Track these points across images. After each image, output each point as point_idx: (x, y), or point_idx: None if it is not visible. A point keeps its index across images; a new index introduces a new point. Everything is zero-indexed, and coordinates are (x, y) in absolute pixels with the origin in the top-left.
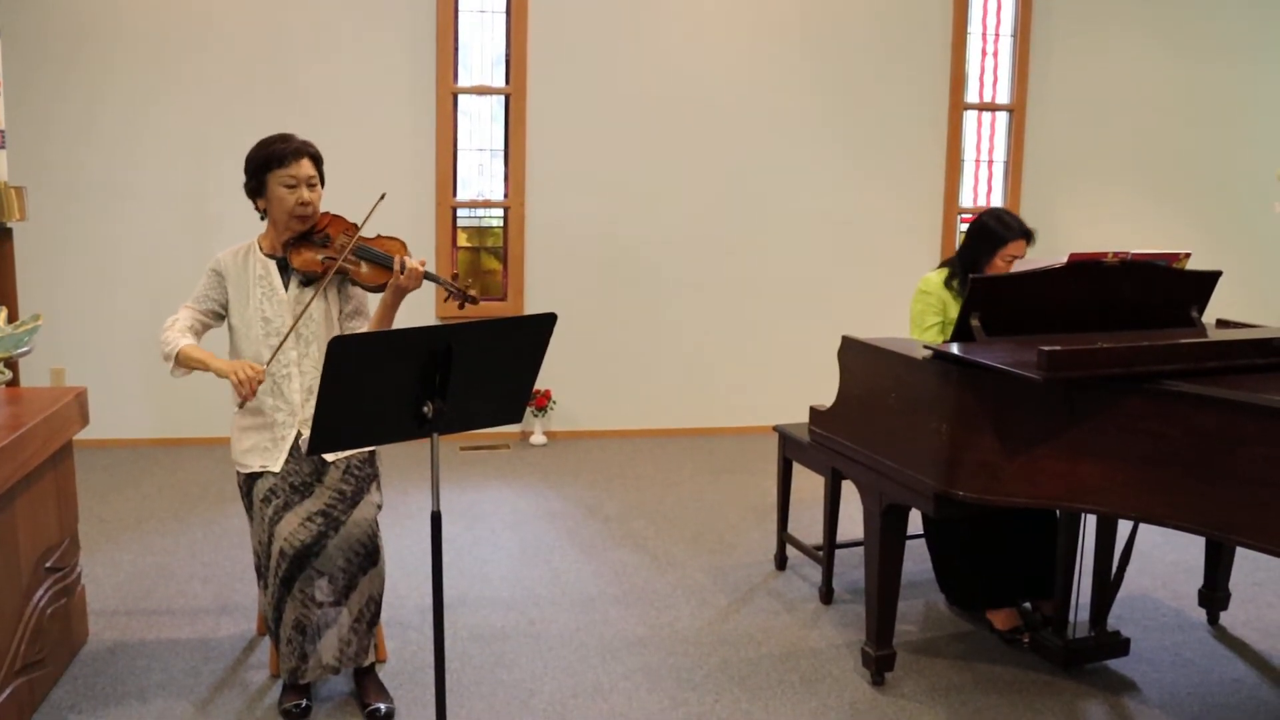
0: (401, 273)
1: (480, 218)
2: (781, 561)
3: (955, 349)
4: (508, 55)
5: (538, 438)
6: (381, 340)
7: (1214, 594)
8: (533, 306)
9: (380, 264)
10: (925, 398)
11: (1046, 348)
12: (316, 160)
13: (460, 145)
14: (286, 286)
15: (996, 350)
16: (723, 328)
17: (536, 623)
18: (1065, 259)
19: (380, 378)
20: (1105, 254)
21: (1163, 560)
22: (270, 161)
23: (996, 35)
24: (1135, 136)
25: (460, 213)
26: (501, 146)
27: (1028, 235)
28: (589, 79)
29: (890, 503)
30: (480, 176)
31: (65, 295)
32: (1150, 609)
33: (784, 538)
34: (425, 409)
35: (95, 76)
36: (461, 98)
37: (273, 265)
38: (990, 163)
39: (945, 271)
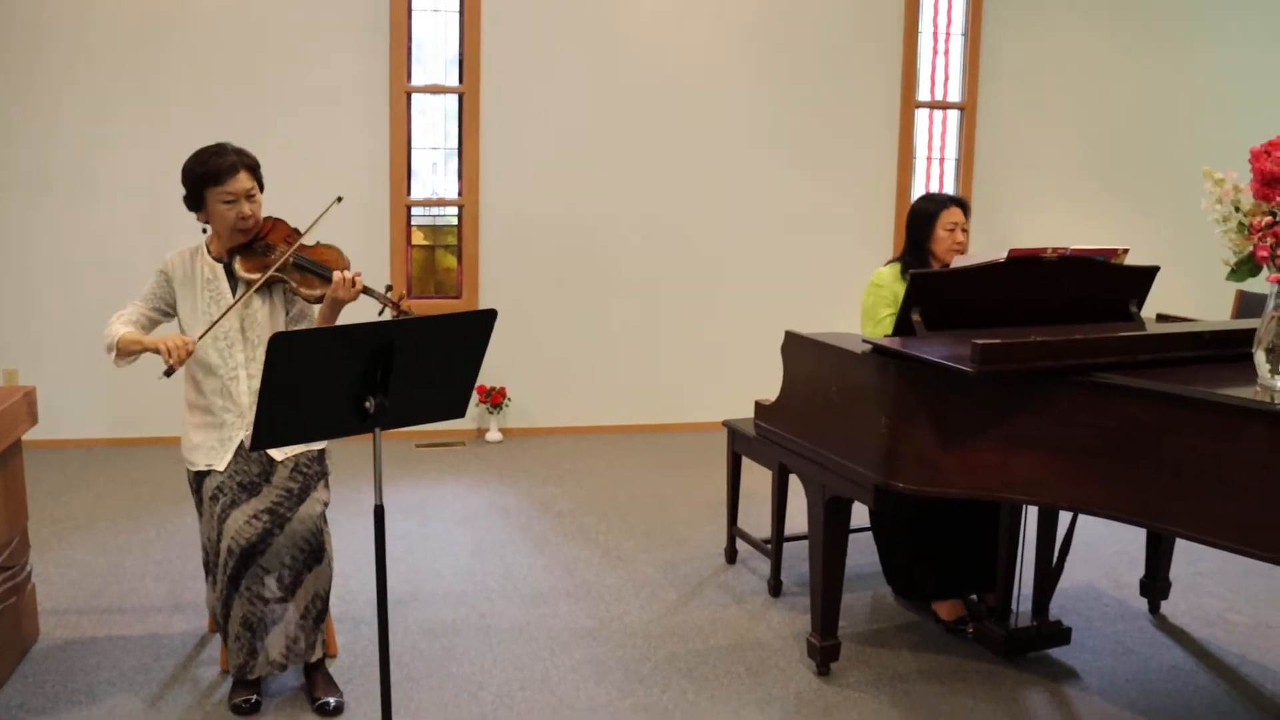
0: (341, 284)
1: (435, 216)
2: (732, 555)
3: (893, 343)
4: (461, 54)
5: (493, 434)
6: (322, 336)
7: (1155, 584)
8: (487, 304)
9: (318, 275)
10: (865, 391)
11: (979, 341)
12: (254, 170)
13: (414, 144)
14: (234, 290)
15: (934, 344)
16: (677, 324)
17: (487, 616)
18: (1005, 254)
19: (321, 373)
20: (1044, 249)
21: (1106, 551)
22: (207, 179)
23: (948, 34)
24: (1084, 133)
25: (415, 211)
26: (455, 145)
27: (959, 203)
28: (543, 78)
29: (833, 495)
30: (434, 174)
31: (18, 296)
32: (1093, 599)
33: (734, 532)
34: (367, 404)
35: (54, 72)
36: (415, 96)
37: (220, 269)
38: (942, 160)
39: (898, 265)
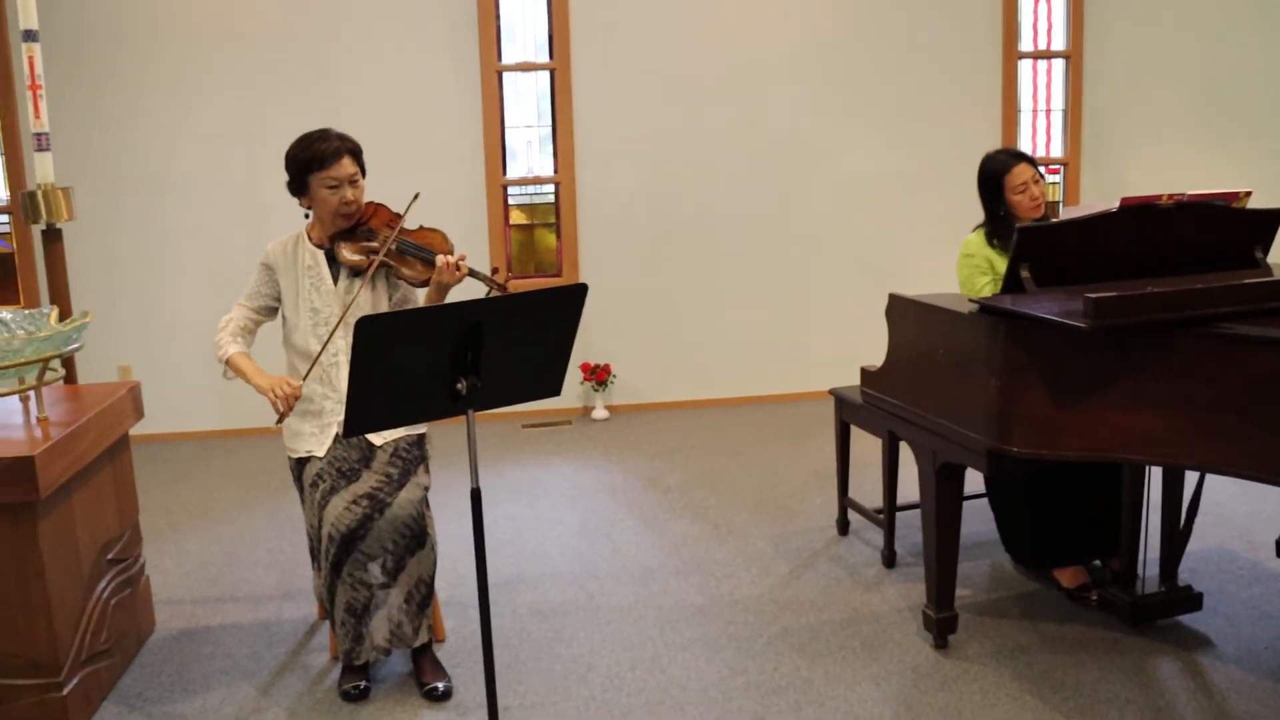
0: (445, 267)
1: (532, 194)
2: (844, 526)
3: (1002, 301)
4: (550, 30)
5: (600, 412)
6: (410, 319)
7: None
8: (588, 281)
9: (422, 259)
10: (974, 353)
11: (1092, 295)
12: (357, 155)
13: (508, 123)
14: (335, 278)
15: (1045, 301)
16: (779, 292)
17: (595, 596)
18: (1118, 203)
19: (411, 356)
20: (1159, 196)
21: (1239, 511)
22: (311, 164)
23: None
24: (1199, 75)
25: (512, 190)
26: (549, 122)
27: (1025, 158)
28: (632, 50)
29: (944, 461)
30: (530, 153)
31: (127, 293)
32: (1226, 562)
33: (845, 502)
34: (459, 386)
35: (136, 71)
36: (507, 75)
37: (321, 256)
38: (1049, 112)
39: (982, 231)
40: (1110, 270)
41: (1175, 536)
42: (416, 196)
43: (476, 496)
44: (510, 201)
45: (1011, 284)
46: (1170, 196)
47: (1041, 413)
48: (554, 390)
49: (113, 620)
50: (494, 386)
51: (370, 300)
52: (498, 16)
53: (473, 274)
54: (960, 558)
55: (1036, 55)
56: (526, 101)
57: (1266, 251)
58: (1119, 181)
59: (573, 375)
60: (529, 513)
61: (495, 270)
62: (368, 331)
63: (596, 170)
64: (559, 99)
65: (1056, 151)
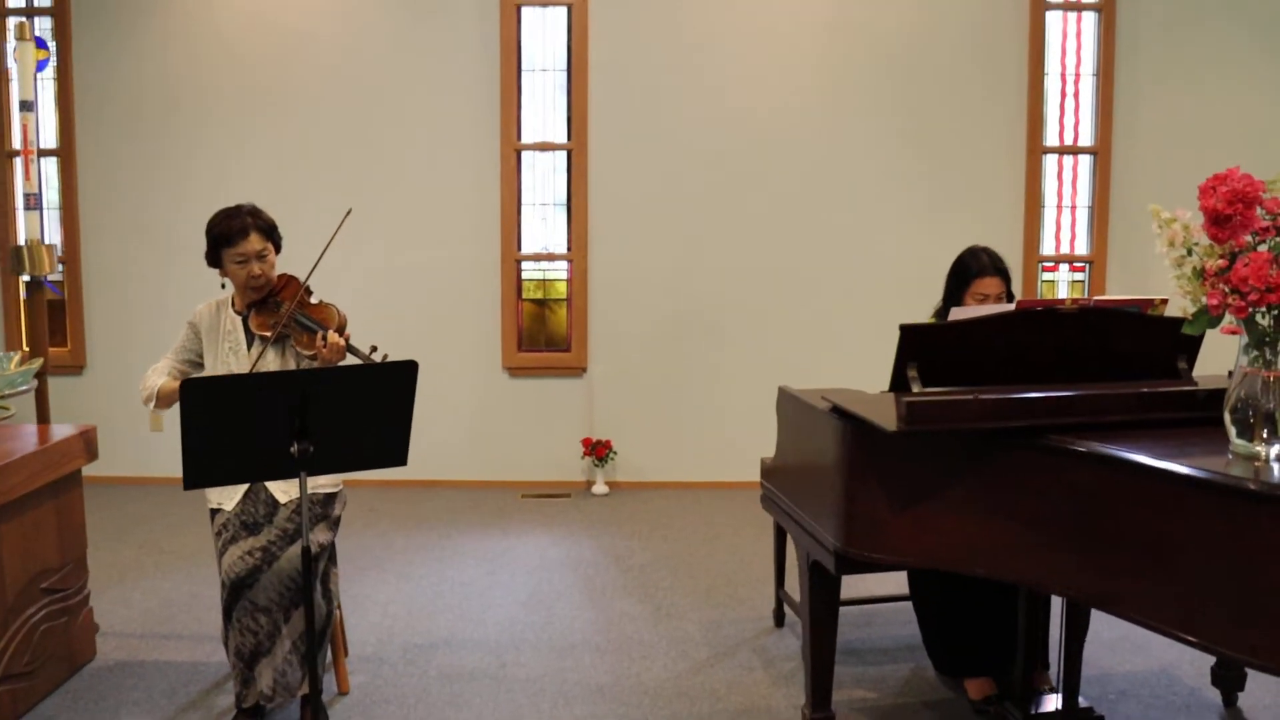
0: (323, 345)
1: (545, 270)
2: (779, 618)
3: (842, 399)
4: (569, 112)
5: (599, 487)
6: (233, 385)
7: (1227, 671)
8: (596, 357)
9: (314, 334)
10: (826, 450)
11: (907, 398)
12: (266, 232)
13: (524, 200)
14: (250, 343)
15: (891, 401)
16: (789, 378)
17: (508, 666)
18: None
19: (241, 420)
20: (1062, 300)
21: None
22: (220, 240)
23: (1077, 75)
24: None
25: (525, 265)
26: (564, 200)
27: (1001, 273)
28: (650, 132)
29: (814, 559)
30: (544, 230)
31: (166, 342)
32: (1163, 685)
33: (780, 594)
34: (293, 449)
35: (191, 136)
36: (524, 153)
37: (239, 322)
38: (1074, 208)
39: (934, 319)
40: (1011, 373)
41: (1072, 654)
42: (349, 212)
43: (307, 554)
44: (524, 277)
45: (896, 382)
46: (1075, 301)
47: (879, 515)
48: (399, 460)
49: (39, 646)
50: (330, 452)
51: (279, 368)
52: (519, 97)
53: (352, 351)
54: (884, 659)
55: (1062, 150)
56: (542, 178)
57: (1191, 363)
58: (1146, 280)
59: (579, 448)
60: (485, 580)
61: (374, 348)
62: (192, 394)
63: (609, 248)
64: (575, 178)
65: (1081, 249)
